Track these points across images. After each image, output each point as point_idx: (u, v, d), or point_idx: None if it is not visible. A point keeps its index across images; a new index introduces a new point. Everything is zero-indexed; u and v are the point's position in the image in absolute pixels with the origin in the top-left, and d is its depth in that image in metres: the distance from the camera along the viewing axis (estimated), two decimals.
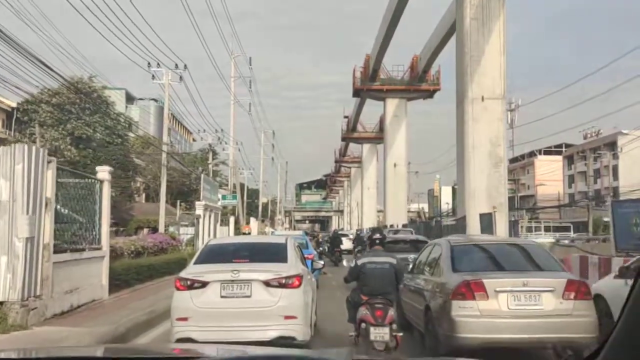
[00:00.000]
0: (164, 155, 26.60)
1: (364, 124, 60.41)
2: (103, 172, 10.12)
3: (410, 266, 8.16)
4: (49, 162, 7.65)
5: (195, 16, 53.88)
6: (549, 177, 63.72)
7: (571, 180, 67.03)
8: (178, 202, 39.38)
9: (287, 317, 6.11)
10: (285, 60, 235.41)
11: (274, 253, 6.98)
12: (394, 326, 5.95)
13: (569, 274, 6.47)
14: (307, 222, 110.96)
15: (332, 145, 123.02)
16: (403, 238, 16.12)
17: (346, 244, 26.41)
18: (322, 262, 10.55)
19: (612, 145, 56.10)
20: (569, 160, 68.24)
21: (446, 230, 22.74)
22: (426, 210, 76.43)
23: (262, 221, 55.77)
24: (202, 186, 25.98)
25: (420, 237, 16.07)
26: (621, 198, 41.46)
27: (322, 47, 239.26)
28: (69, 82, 23.39)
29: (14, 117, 34.59)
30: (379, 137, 54.57)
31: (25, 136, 32.44)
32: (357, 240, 25.23)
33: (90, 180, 9.77)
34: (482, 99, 20.51)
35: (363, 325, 5.95)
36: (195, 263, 6.76)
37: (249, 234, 31.08)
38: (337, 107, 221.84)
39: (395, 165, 44.51)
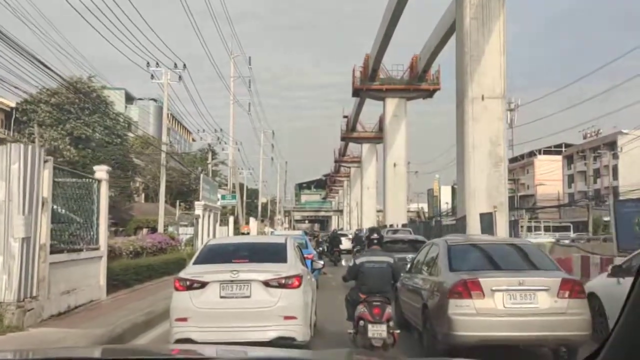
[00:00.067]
0: (163, 155, 26.50)
1: (363, 124, 60.35)
2: (101, 172, 10.04)
3: (409, 266, 8.23)
4: (45, 161, 7.57)
5: (195, 16, 54.05)
6: (549, 177, 63.68)
7: (571, 180, 67.00)
8: (177, 202, 39.32)
9: (286, 318, 6.09)
10: (285, 60, 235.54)
11: (273, 253, 6.94)
12: (391, 323, 6.10)
13: (563, 273, 6.54)
14: (306, 222, 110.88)
15: (331, 145, 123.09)
16: (401, 238, 16.19)
17: (345, 244, 26.50)
18: (322, 262, 10.48)
19: (612, 145, 56.05)
20: (569, 160, 68.21)
21: (446, 230, 22.67)
22: (426, 210, 76.32)
23: (262, 221, 55.71)
24: (201, 186, 25.92)
25: (419, 237, 16.09)
26: (621, 198, 41.48)
27: (322, 47, 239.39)
28: (68, 82, 23.30)
29: (13, 117, 34.53)
30: (378, 137, 54.51)
31: (24, 136, 32.37)
32: (356, 240, 25.23)
33: (87, 179, 9.69)
34: (482, 98, 20.43)
35: (361, 322, 6.07)
36: (194, 263, 6.73)
37: (248, 234, 31.00)
38: (336, 107, 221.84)
39: (394, 165, 44.45)
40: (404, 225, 35.92)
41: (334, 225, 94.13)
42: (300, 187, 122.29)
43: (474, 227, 18.36)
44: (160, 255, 16.09)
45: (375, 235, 6.87)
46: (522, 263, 6.70)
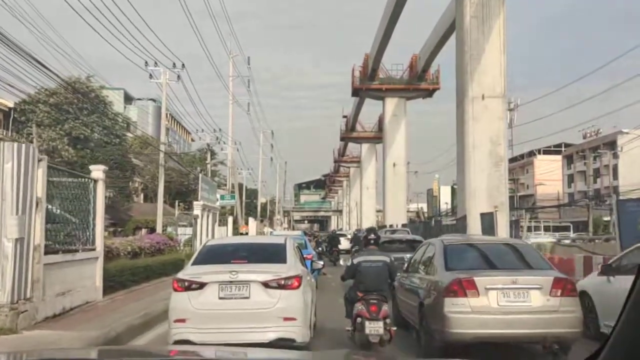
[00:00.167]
0: (161, 155, 26.36)
1: (363, 124, 60.25)
2: (97, 171, 9.90)
3: (406, 265, 8.37)
4: (39, 160, 7.43)
5: (194, 16, 53.85)
6: (549, 177, 63.62)
7: (570, 179, 66.93)
8: (176, 202, 39.20)
9: (286, 319, 6.04)
10: (285, 60, 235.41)
11: (272, 254, 6.88)
12: (388, 320, 6.33)
13: (556, 272, 6.65)
14: (306, 222, 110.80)
15: (331, 145, 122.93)
16: (399, 238, 16.46)
17: (344, 244, 26.59)
18: (321, 263, 10.42)
19: (611, 144, 55.97)
20: (569, 159, 68.14)
21: (446, 230, 22.54)
22: (425, 210, 76.24)
23: (261, 221, 55.59)
24: (200, 186, 25.80)
25: (416, 237, 16.31)
26: (621, 197, 41.38)
27: (322, 46, 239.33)
28: (67, 82, 23.18)
29: (11, 117, 34.39)
30: (378, 136, 54.41)
31: (23, 136, 32.25)
32: (355, 240, 25.28)
33: (83, 179, 9.55)
34: (483, 97, 20.32)
35: (359, 319, 6.29)
36: (193, 264, 6.68)
37: (247, 234, 30.85)
38: (336, 107, 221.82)
39: (394, 165, 44.34)
40: (403, 226, 35.80)
41: (333, 225, 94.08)
42: (300, 187, 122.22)
43: (474, 227, 18.24)
44: (159, 256, 15.96)
45: (372, 236, 7.12)
46: (516, 262, 6.85)
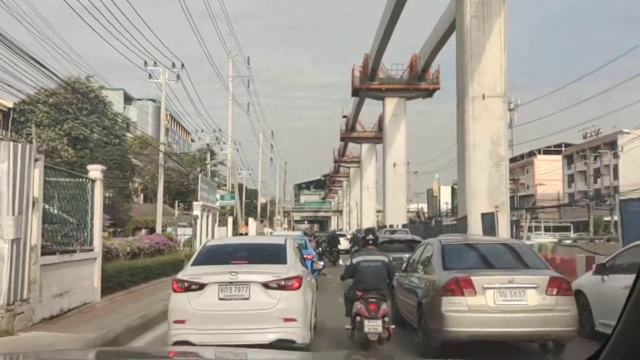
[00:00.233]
0: (161, 155, 26.27)
1: (362, 124, 60.18)
2: (95, 171, 9.81)
3: (404, 265, 8.47)
4: (36, 160, 7.34)
5: (194, 17, 53.85)
6: (549, 177, 63.54)
7: (571, 179, 66.84)
8: (176, 202, 39.11)
9: (286, 320, 5.99)
10: (285, 60, 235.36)
11: (272, 254, 6.84)
12: (387, 319, 6.44)
13: (552, 271, 6.74)
14: (306, 222, 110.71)
15: (331, 145, 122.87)
16: (398, 238, 16.64)
17: (344, 244, 26.64)
18: (322, 263, 10.39)
19: (612, 144, 55.87)
20: (569, 159, 68.06)
21: (446, 231, 22.48)
22: (425, 210, 76.16)
23: (261, 221, 55.51)
24: (199, 186, 25.73)
25: (415, 237, 16.48)
26: (621, 197, 41.23)
27: (322, 47, 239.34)
28: (66, 83, 23.09)
29: (11, 117, 34.30)
30: (378, 136, 54.35)
31: (22, 136, 32.17)
32: (354, 240, 25.36)
33: (81, 179, 9.46)
34: (483, 97, 20.23)
35: (358, 318, 6.40)
36: (192, 264, 6.65)
37: (246, 234, 30.75)
38: (336, 107, 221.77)
39: (394, 165, 44.27)
40: (404, 226, 35.76)
41: (333, 225, 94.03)
42: (300, 187, 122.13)
43: (475, 227, 18.17)
44: (158, 256, 15.88)
45: (370, 236, 7.29)
46: (512, 262, 6.94)
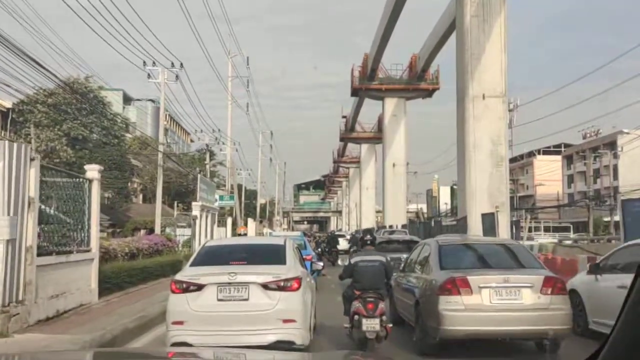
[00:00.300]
0: (160, 155, 26.16)
1: (362, 124, 60.11)
2: (92, 171, 9.71)
3: (402, 265, 8.61)
4: (31, 159, 7.24)
5: (194, 17, 53.82)
6: (548, 177, 63.47)
7: (570, 180, 66.77)
8: (175, 203, 39.00)
9: (285, 321, 5.96)
10: (285, 60, 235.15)
11: (272, 255, 6.79)
12: (384, 317, 6.57)
13: (547, 271, 6.84)
14: (305, 222, 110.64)
15: (330, 145, 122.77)
16: (397, 238, 16.83)
17: (342, 244, 26.73)
18: (321, 264, 10.35)
19: (611, 144, 55.78)
20: (568, 160, 67.99)
21: (446, 231, 22.39)
22: (425, 210, 76.10)
23: (260, 222, 55.40)
24: (198, 186, 25.64)
25: (414, 238, 16.60)
26: (621, 198, 41.15)
27: (321, 47, 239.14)
28: (65, 83, 23.00)
29: (9, 117, 34.18)
30: (377, 137, 54.28)
31: (21, 137, 32.06)
32: (353, 240, 25.42)
33: (78, 179, 9.36)
34: (483, 97, 20.16)
35: (356, 317, 6.51)
36: (191, 265, 6.61)
37: (245, 235, 30.62)
38: (336, 108, 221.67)
39: (394, 165, 44.20)
40: (403, 226, 35.69)
41: (332, 226, 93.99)
42: (299, 188, 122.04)
43: (475, 227, 18.09)
44: (157, 257, 15.78)
45: (368, 237, 7.57)
46: (508, 262, 7.06)
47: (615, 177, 54.50)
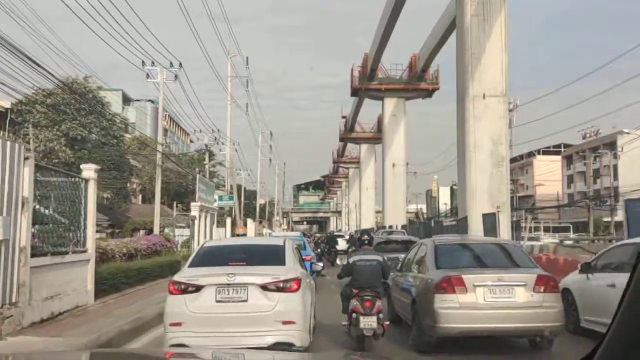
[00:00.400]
0: (158, 155, 26.02)
1: (362, 124, 60.05)
2: (88, 171, 9.57)
3: (399, 265, 8.75)
4: (26, 158, 7.11)
5: (193, 17, 53.71)
6: (548, 178, 63.38)
7: (570, 180, 66.67)
8: (175, 203, 38.86)
9: (285, 323, 5.89)
10: (285, 61, 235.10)
11: (271, 255, 6.71)
12: (381, 315, 6.72)
13: (540, 270, 7.00)
14: (305, 223, 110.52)
15: (330, 146, 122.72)
16: (395, 239, 17.02)
17: (341, 245, 26.80)
18: (321, 264, 10.30)
19: (611, 145, 55.67)
20: (568, 160, 67.89)
21: (447, 231, 22.30)
22: (424, 211, 76.00)
23: (260, 222, 55.28)
24: (197, 187, 25.51)
25: (411, 238, 16.76)
26: (621, 198, 41.12)
27: (321, 47, 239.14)
28: (63, 83, 22.86)
29: (8, 118, 34.05)
30: (377, 137, 54.21)
31: (20, 137, 31.91)
32: (351, 241, 25.45)
33: (74, 179, 9.23)
34: (484, 96, 20.07)
35: (354, 315, 6.67)
36: (189, 266, 6.54)
37: (244, 235, 30.52)
38: (335, 108, 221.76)
39: (393, 165, 44.12)
40: (403, 227, 35.62)
41: (332, 226, 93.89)
42: (299, 188, 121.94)
43: (475, 228, 17.99)
44: (155, 257, 15.65)
45: (366, 237, 7.72)
46: (503, 261, 7.22)
47: (615, 177, 54.38)
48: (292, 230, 75.26)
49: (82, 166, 9.98)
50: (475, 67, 20.20)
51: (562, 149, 70.09)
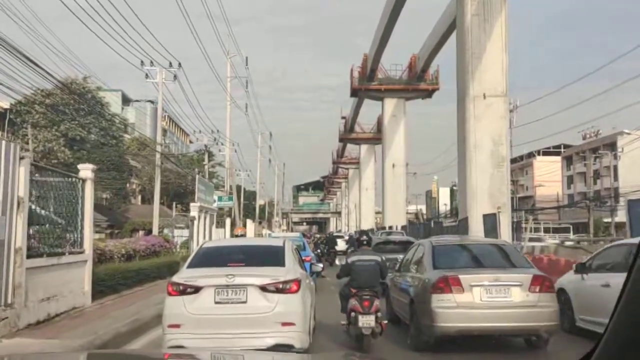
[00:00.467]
0: (157, 155, 25.92)
1: (361, 125, 59.99)
2: (85, 171, 9.47)
3: (398, 265, 8.88)
4: (21, 158, 7.01)
5: (193, 17, 53.61)
6: (548, 178, 63.28)
7: (570, 181, 66.58)
8: (174, 204, 38.77)
9: (284, 324, 5.83)
10: (285, 61, 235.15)
11: (270, 256, 6.64)
12: (379, 314, 6.80)
13: (535, 270, 7.09)
14: (304, 224, 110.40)
15: (329, 146, 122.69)
16: (393, 239, 17.17)
17: (341, 245, 26.83)
18: (321, 265, 10.24)
19: (612, 145, 55.58)
20: (568, 161, 67.80)
21: (447, 232, 22.21)
22: (424, 211, 75.94)
23: (259, 223, 55.18)
24: (196, 187, 25.42)
25: (410, 239, 16.84)
26: (621, 199, 41.06)
27: (321, 48, 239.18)
28: (62, 83, 22.76)
29: (7, 118, 33.95)
30: (376, 137, 54.13)
31: (18, 137, 31.81)
32: (350, 241, 25.46)
33: (71, 179, 9.13)
34: (484, 96, 19.99)
35: (353, 314, 6.76)
36: (188, 267, 6.48)
37: (243, 236, 30.43)
38: (335, 109, 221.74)
39: (393, 166, 44.05)
40: (403, 227, 35.56)
41: (332, 227, 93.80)
42: (298, 189, 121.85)
43: (475, 228, 17.89)
44: (153, 258, 15.55)
45: (364, 237, 7.84)
46: (499, 261, 7.31)
47: (616, 178, 54.29)
48: (292, 231, 75.06)
49: (79, 166, 9.88)
50: (476, 66, 20.12)
51: (562, 150, 70.02)
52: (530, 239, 29.04)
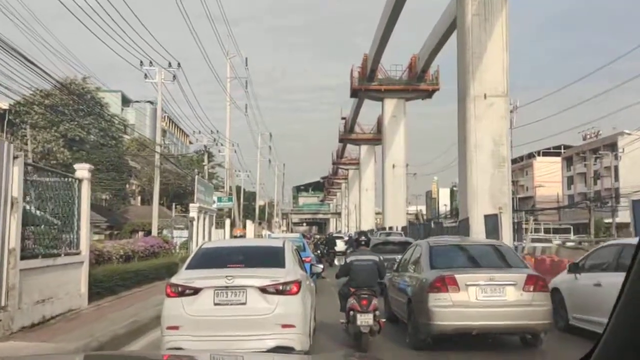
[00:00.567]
0: (157, 156, 25.80)
1: (361, 126, 59.93)
2: (82, 170, 9.34)
3: (396, 265, 9.00)
4: (15, 157, 6.88)
5: (192, 18, 53.55)
6: (548, 179, 63.19)
7: (570, 181, 66.46)
8: (174, 204, 38.62)
9: (284, 326, 5.75)
10: (285, 62, 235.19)
11: (270, 257, 6.54)
12: (377, 313, 6.93)
13: (530, 270, 7.31)
14: (304, 224, 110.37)
15: (329, 147, 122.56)
16: (392, 240, 17.28)
17: (340, 246, 26.87)
18: (321, 266, 10.16)
19: (612, 146, 55.46)
20: (568, 161, 67.69)
21: (447, 233, 22.07)
22: (424, 212, 75.84)
23: (259, 224, 55.06)
24: (196, 188, 25.31)
25: (408, 239, 16.94)
26: (622, 199, 40.94)
27: (321, 48, 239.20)
28: (61, 84, 22.64)
29: (6, 119, 33.85)
30: (376, 138, 54.05)
31: (17, 138, 31.72)
32: (349, 242, 25.46)
33: (67, 179, 9.00)
34: (485, 96, 19.90)
35: (351, 313, 6.88)
36: (187, 268, 6.40)
37: (242, 237, 30.27)
38: (335, 110, 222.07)
39: (393, 166, 43.96)
40: (403, 228, 35.46)
41: (332, 227, 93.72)
42: (298, 189, 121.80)
43: (476, 229, 17.78)
44: (152, 259, 15.42)
45: (363, 238, 8.00)
46: (494, 261, 7.45)
47: (616, 178, 54.17)
48: (292, 231, 74.97)
49: (76, 166, 9.76)
50: (477, 66, 20.02)
51: (562, 150, 69.93)
52: (537, 240, 28.97)
